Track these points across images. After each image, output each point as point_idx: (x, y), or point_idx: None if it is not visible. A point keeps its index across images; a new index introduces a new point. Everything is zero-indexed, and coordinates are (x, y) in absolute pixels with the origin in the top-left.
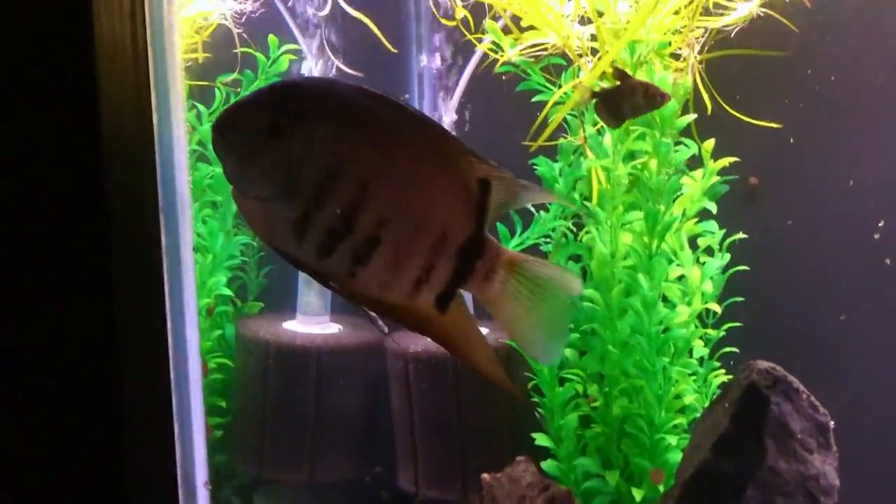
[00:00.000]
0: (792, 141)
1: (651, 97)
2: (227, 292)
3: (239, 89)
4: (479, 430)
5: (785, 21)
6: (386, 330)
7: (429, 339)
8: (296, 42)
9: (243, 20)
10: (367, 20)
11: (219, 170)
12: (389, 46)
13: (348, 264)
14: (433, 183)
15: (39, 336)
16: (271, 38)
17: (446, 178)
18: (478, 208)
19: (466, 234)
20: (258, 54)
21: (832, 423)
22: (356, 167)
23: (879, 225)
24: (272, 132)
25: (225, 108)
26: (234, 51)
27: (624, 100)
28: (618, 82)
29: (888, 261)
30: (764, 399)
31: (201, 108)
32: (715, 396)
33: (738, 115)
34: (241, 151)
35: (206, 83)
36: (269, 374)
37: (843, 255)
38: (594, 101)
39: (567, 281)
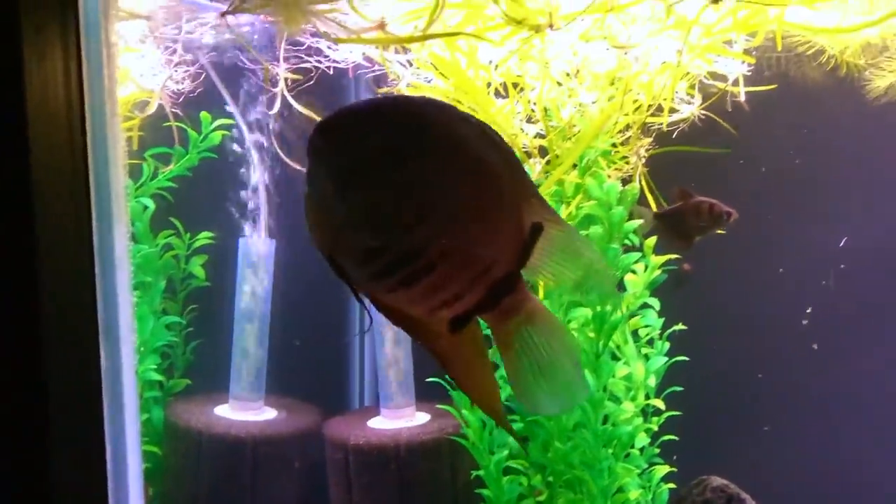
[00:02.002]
0: (724, 231)
1: (717, 215)
2: (156, 377)
3: (170, 166)
4: None
5: (721, 122)
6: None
7: (370, 430)
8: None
9: (181, 100)
10: (314, 115)
11: (147, 249)
12: None
13: (395, 286)
14: (502, 223)
15: None
16: (204, 114)
17: (513, 218)
18: (523, 248)
19: (506, 271)
20: (190, 130)
21: None
22: (449, 204)
23: (807, 311)
24: (389, 157)
25: (338, 111)
26: (165, 124)
27: (689, 219)
28: (679, 202)
29: (815, 346)
30: None
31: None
32: None
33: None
34: (343, 167)
35: (135, 161)
36: (202, 464)
37: (771, 339)
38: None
39: (574, 377)
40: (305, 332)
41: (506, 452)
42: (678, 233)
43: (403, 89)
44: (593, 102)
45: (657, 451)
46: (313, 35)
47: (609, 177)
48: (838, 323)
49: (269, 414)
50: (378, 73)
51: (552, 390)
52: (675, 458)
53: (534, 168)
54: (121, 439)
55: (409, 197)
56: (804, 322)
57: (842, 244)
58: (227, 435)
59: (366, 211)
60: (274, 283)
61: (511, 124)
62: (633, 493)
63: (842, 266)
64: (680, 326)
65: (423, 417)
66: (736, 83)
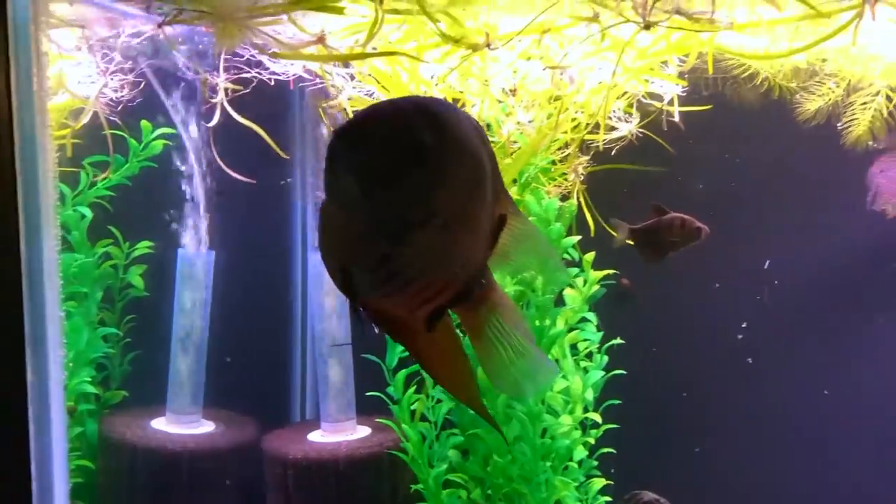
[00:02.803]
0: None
1: (688, 230)
2: (91, 390)
3: (108, 174)
4: None
5: (659, 140)
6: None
7: (309, 444)
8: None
9: (119, 108)
10: (258, 129)
11: (84, 258)
12: (280, 152)
13: (391, 290)
14: (485, 221)
15: None
16: (144, 123)
17: (490, 216)
18: (492, 241)
19: (478, 266)
20: (130, 139)
21: None
22: (455, 205)
23: (742, 326)
24: (410, 160)
25: (358, 114)
26: (103, 132)
27: (662, 234)
28: (654, 218)
29: (750, 360)
30: None
31: (65, 189)
32: None
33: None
34: (368, 170)
35: (73, 169)
36: (136, 478)
37: (707, 353)
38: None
39: (540, 365)
40: (245, 344)
41: (445, 466)
42: (653, 248)
43: (345, 102)
44: (530, 121)
45: (595, 463)
46: (254, 46)
47: (548, 193)
48: (773, 337)
49: (207, 427)
50: (319, 85)
51: (525, 372)
52: (612, 471)
53: None
54: (47, 456)
55: (426, 199)
56: (739, 336)
57: (765, 266)
58: (162, 448)
59: (389, 214)
60: (213, 295)
61: None
62: None
63: (776, 282)
64: (618, 341)
65: (363, 431)
66: (671, 103)
